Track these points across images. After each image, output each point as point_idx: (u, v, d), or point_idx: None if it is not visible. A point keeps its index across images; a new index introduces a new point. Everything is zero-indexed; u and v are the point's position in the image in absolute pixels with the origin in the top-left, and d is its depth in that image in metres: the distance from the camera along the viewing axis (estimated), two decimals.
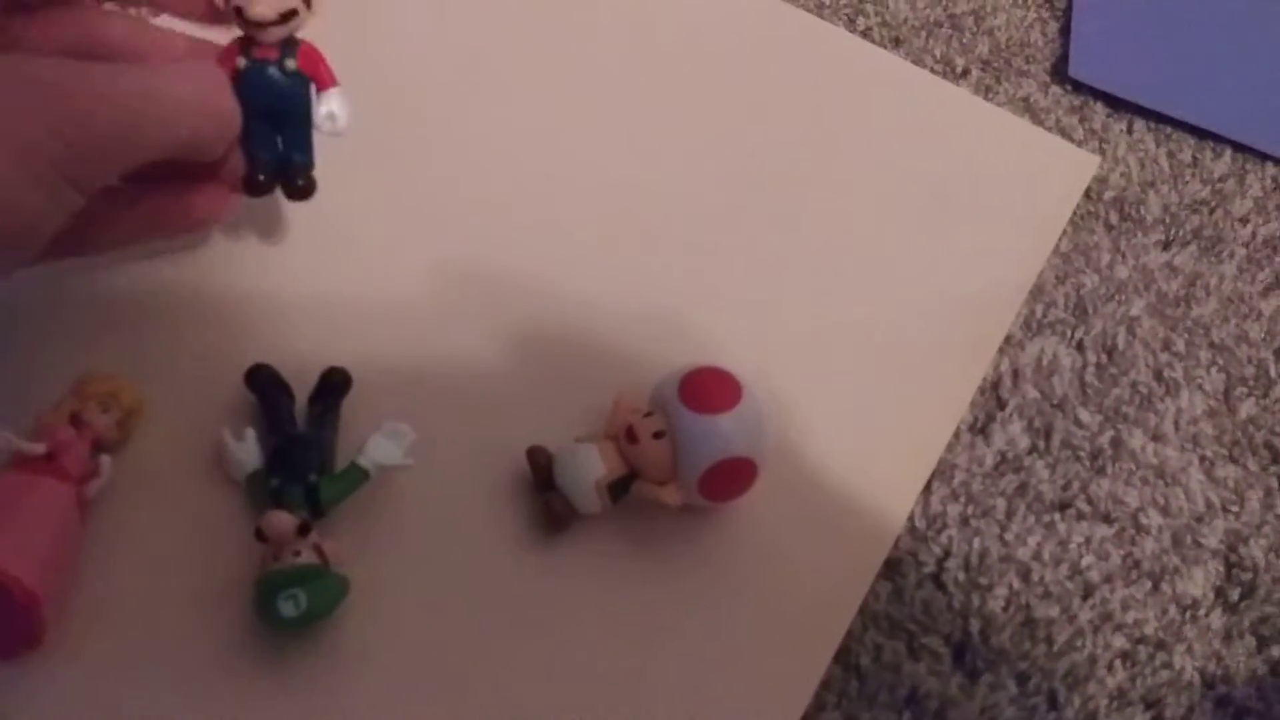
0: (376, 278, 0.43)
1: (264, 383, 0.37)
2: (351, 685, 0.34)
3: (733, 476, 0.36)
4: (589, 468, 0.36)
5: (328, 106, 0.38)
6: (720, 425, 0.35)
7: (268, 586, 0.32)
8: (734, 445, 0.35)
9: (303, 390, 0.38)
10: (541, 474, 0.37)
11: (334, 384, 0.38)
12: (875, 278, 0.46)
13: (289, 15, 0.36)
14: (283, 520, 0.33)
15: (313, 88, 0.38)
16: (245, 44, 0.37)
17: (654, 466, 0.36)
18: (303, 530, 0.33)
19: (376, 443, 0.36)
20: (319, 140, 0.39)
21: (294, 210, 0.42)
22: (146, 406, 0.37)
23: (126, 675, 0.33)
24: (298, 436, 0.36)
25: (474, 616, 0.36)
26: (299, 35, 0.37)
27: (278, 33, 0.36)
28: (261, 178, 0.38)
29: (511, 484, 0.38)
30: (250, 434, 0.36)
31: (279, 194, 0.38)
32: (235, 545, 0.35)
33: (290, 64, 0.37)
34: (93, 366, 0.37)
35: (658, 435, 0.36)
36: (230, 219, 0.41)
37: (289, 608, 0.32)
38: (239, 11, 0.35)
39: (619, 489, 0.36)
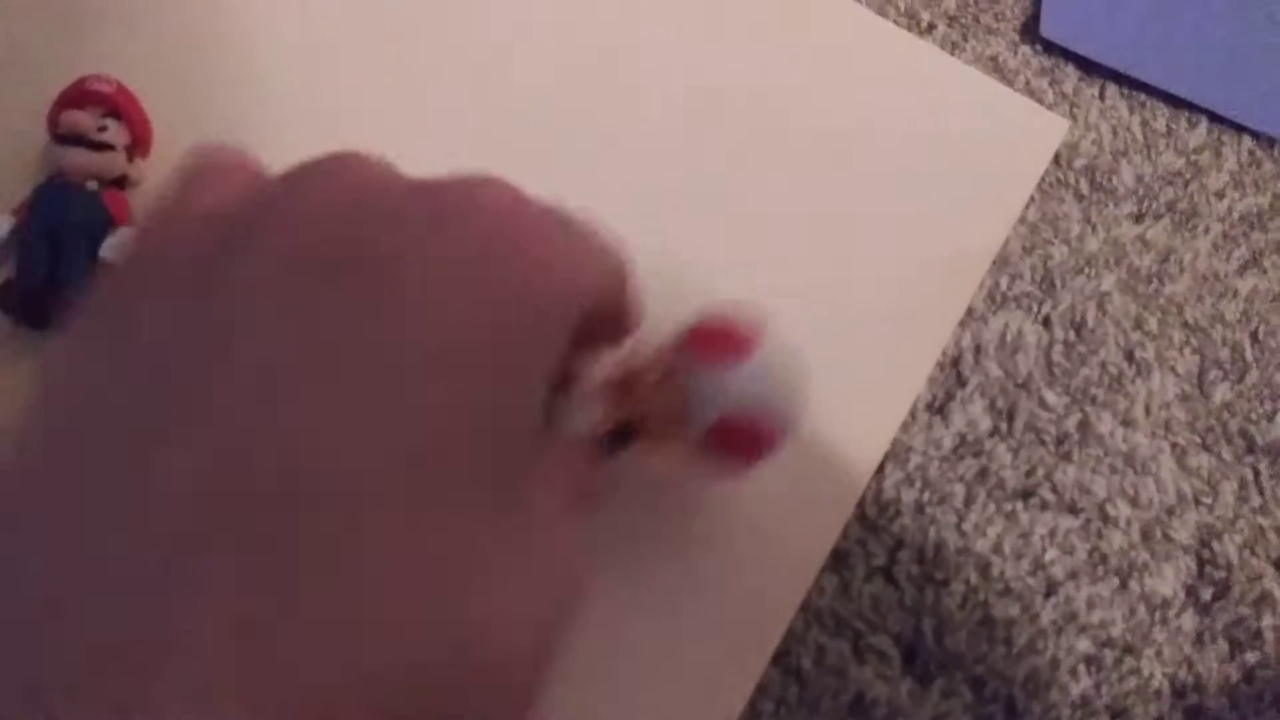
0: None
1: None
2: None
3: (742, 435, 0.32)
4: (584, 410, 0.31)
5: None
6: (728, 376, 0.31)
7: None
8: (743, 399, 0.31)
9: None
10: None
11: None
12: (828, 242, 0.42)
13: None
14: None
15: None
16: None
17: (655, 415, 0.32)
18: None
19: None
20: None
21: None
22: None
23: None
24: None
25: None
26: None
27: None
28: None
29: None
30: None
31: None
32: None
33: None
34: None
35: (661, 382, 0.32)
36: None
37: None
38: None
39: (619, 444, 0.32)
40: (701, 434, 0.31)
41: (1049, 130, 0.47)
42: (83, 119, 0.35)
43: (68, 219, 0.34)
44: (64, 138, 0.35)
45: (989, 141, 0.46)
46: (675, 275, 0.40)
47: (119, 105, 0.36)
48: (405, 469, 0.20)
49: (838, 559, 0.36)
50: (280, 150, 0.39)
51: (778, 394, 0.32)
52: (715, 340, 0.32)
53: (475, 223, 0.22)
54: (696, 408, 0.31)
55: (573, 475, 0.26)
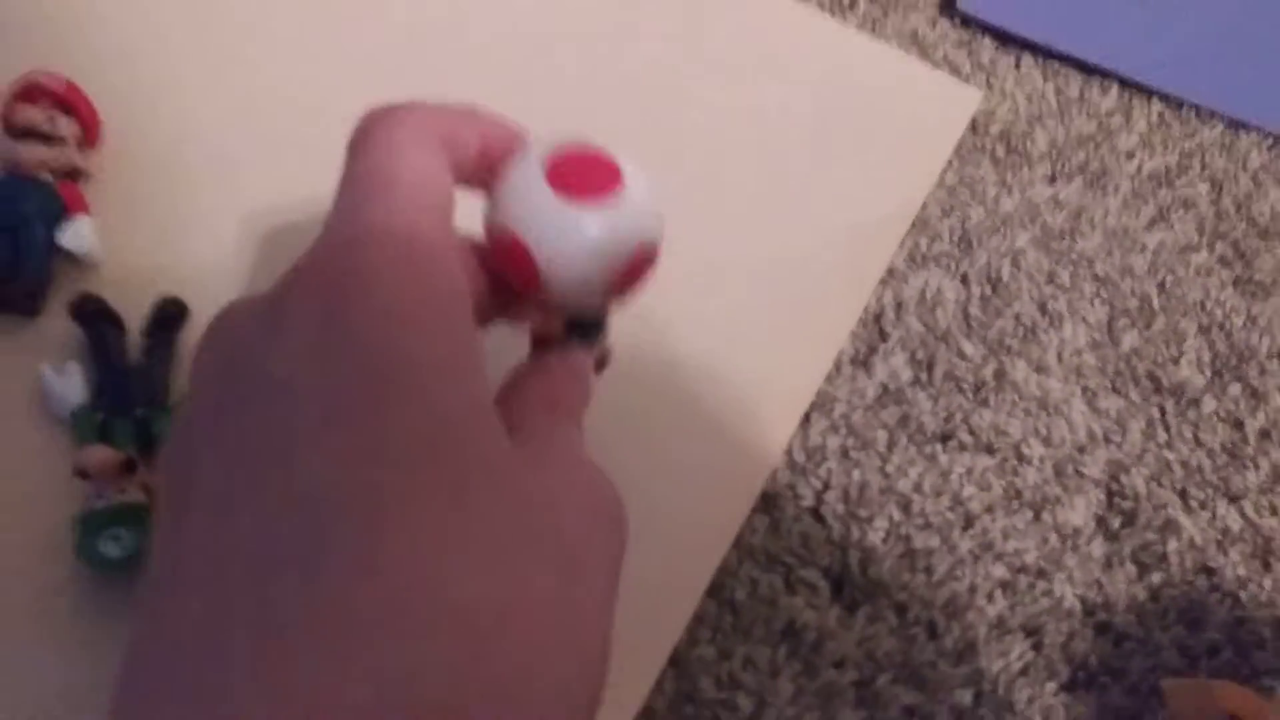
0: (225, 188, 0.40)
1: (90, 315, 0.35)
2: None
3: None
4: None
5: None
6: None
7: (88, 527, 0.30)
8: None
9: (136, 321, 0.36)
10: None
11: (168, 316, 0.36)
12: (756, 210, 0.45)
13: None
14: (103, 455, 0.31)
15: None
16: None
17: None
18: (128, 467, 0.31)
19: None
20: None
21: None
22: None
23: None
24: (127, 369, 0.34)
25: None
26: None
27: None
28: None
29: None
30: (73, 367, 0.34)
31: None
32: (63, 486, 0.33)
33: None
34: None
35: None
36: None
37: (112, 548, 0.30)
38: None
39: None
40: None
41: (963, 100, 0.50)
42: (35, 113, 0.37)
43: (25, 209, 0.36)
44: (17, 131, 0.37)
45: (907, 113, 0.49)
46: None
47: (68, 100, 0.38)
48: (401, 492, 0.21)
49: (768, 501, 0.39)
50: (221, 141, 0.42)
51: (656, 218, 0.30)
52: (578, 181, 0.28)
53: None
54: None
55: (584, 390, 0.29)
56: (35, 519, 0.33)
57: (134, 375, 0.34)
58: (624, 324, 0.36)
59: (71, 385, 0.34)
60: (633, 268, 0.29)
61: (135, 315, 0.36)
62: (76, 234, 0.37)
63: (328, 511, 0.20)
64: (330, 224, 0.24)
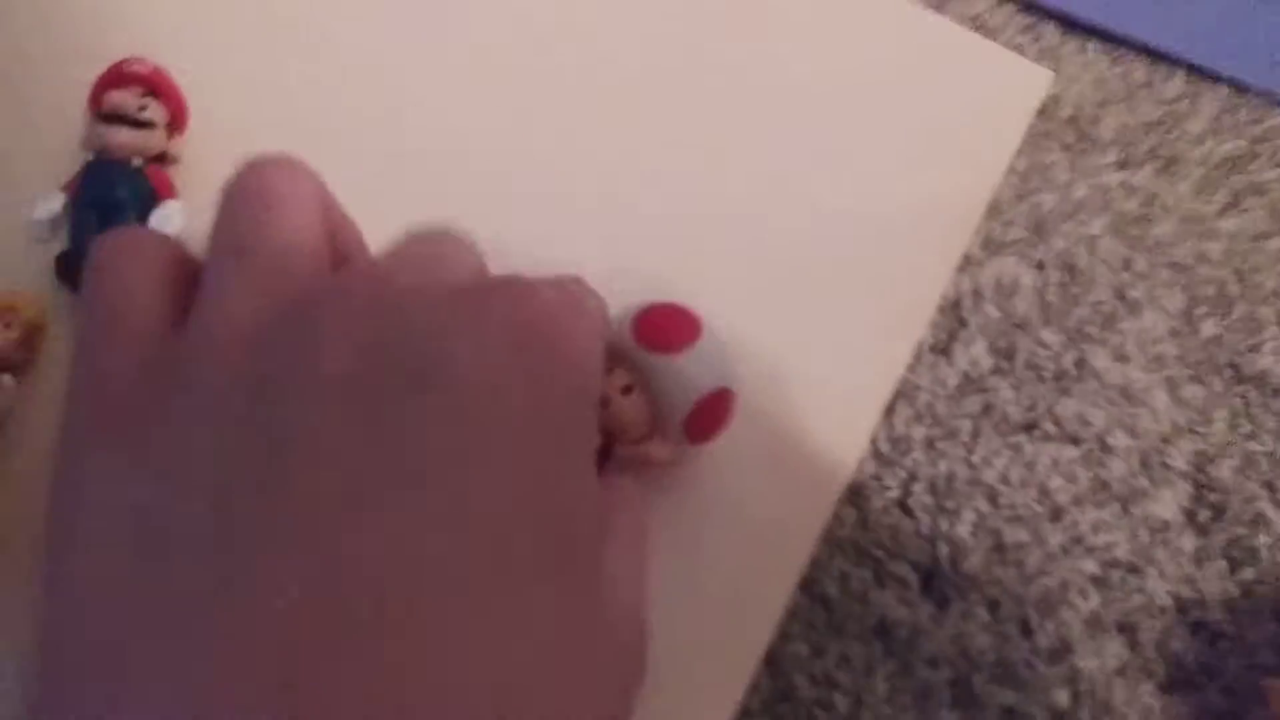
0: None
1: None
2: None
3: (717, 411, 0.33)
4: None
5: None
6: (691, 361, 0.33)
7: None
8: (710, 378, 0.33)
9: None
10: None
11: None
12: (827, 197, 0.44)
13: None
14: None
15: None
16: None
17: (632, 424, 0.33)
18: None
19: None
20: None
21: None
22: (54, 324, 0.34)
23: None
24: None
25: None
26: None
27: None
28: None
29: None
30: None
31: None
32: None
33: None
34: None
35: (627, 390, 0.33)
36: None
37: None
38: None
39: (601, 459, 0.33)
40: (680, 423, 0.33)
41: (1034, 82, 0.48)
42: (125, 98, 0.36)
43: (116, 193, 0.35)
44: (108, 117, 0.36)
45: (978, 95, 0.48)
46: (675, 234, 0.41)
47: (156, 85, 0.37)
48: (491, 569, 0.20)
49: (855, 493, 0.37)
50: (316, 132, 0.41)
51: (729, 361, 0.34)
52: (664, 331, 0.33)
53: (514, 319, 0.23)
54: (670, 402, 0.33)
55: (635, 520, 0.28)
56: None
57: None
58: (708, 314, 0.34)
59: None
60: (706, 411, 0.33)
61: None
62: (168, 218, 0.36)
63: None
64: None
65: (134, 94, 0.36)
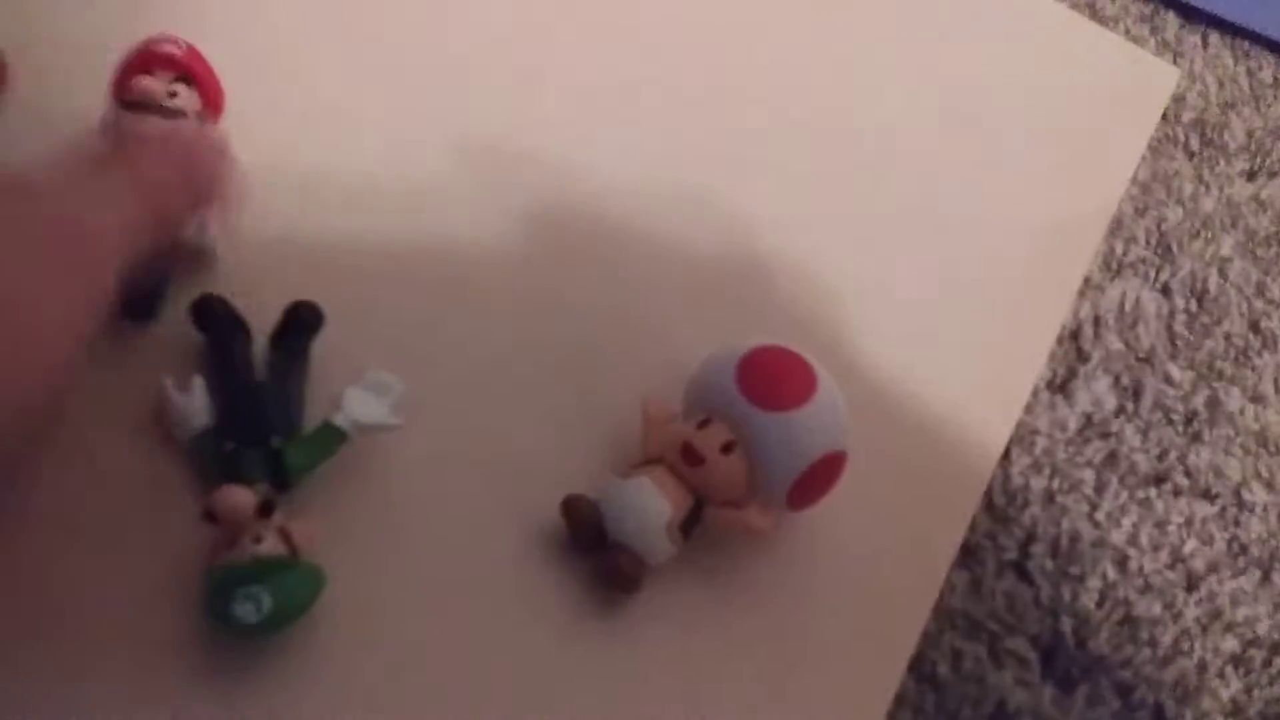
0: (359, 184, 0.35)
1: (214, 318, 0.29)
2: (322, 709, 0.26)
3: (826, 476, 0.29)
4: (653, 509, 0.28)
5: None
6: (805, 420, 0.28)
7: (221, 583, 0.25)
8: (824, 440, 0.28)
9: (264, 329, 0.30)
10: (588, 529, 0.28)
11: (302, 321, 0.30)
12: (930, 212, 0.39)
13: None
14: (239, 497, 0.25)
15: None
16: None
17: (727, 486, 0.28)
18: (264, 510, 0.26)
19: (356, 397, 0.29)
20: None
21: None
22: None
23: (40, 686, 0.25)
24: (257, 387, 0.29)
25: (491, 629, 0.28)
26: None
27: None
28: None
29: (530, 449, 0.31)
30: (198, 383, 0.28)
31: None
32: (180, 525, 0.27)
33: None
34: None
35: (727, 448, 0.28)
36: None
37: (248, 610, 0.24)
38: None
39: (691, 524, 0.29)
40: (785, 489, 0.29)
41: (1159, 79, 0.43)
42: (153, 85, 0.32)
43: None
44: (134, 105, 0.31)
45: (1096, 93, 0.43)
46: (779, 250, 0.37)
47: (190, 69, 0.32)
48: None
49: (967, 554, 0.33)
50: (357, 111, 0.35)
51: (844, 418, 0.29)
52: (776, 384, 0.29)
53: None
54: (776, 466, 0.28)
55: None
56: (150, 561, 0.27)
57: (265, 395, 0.28)
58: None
59: (195, 405, 0.28)
60: (816, 477, 0.29)
61: (261, 322, 0.30)
62: (197, 224, 0.31)
63: None
64: None
65: (163, 79, 0.32)
